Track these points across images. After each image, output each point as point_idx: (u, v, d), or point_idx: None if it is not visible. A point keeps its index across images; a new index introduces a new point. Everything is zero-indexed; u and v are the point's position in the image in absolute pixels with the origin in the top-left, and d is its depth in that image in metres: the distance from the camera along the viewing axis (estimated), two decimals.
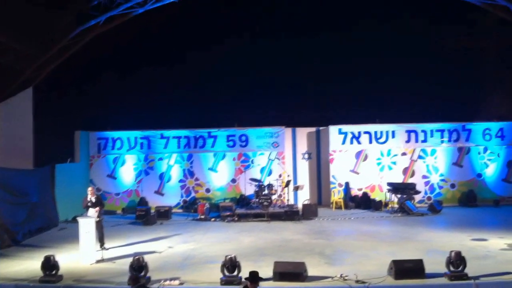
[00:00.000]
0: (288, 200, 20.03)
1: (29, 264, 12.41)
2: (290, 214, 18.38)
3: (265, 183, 19.97)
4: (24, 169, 17.80)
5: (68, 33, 19.11)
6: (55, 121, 21.18)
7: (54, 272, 10.99)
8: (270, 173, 21.57)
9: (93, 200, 13.64)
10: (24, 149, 19.28)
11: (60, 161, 19.74)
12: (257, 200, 19.21)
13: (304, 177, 22.03)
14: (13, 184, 15.80)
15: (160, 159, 21.85)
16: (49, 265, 11.03)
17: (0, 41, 17.45)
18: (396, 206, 19.73)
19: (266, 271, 10.96)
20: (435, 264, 10.97)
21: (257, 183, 19.69)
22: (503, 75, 22.40)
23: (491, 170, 21.41)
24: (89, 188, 14.13)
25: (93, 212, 13.42)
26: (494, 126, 21.55)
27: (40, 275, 10.98)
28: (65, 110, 21.45)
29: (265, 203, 18.67)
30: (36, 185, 17.19)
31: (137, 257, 10.90)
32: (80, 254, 12.72)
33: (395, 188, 20.06)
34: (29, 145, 19.61)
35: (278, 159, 21.69)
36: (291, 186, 20.39)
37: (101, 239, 13.46)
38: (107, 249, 13.54)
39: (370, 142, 21.60)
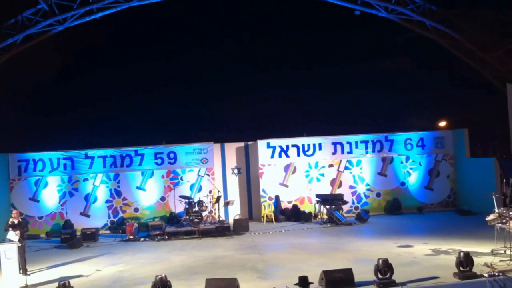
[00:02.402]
0: (219, 216, 19.90)
1: None
2: (221, 230, 18.26)
3: (195, 200, 19.74)
4: None
5: None
6: None
7: None
8: (200, 189, 21.38)
9: (15, 222, 13.11)
10: None
11: None
12: (187, 217, 18.95)
13: (234, 192, 21.98)
14: None
15: (85, 179, 21.12)
16: None
17: None
18: (325, 217, 20.07)
19: None
20: (364, 273, 11.24)
21: (187, 200, 19.43)
22: (420, 88, 23.56)
23: (413, 179, 22.25)
24: (14, 211, 13.85)
25: (13, 234, 12.82)
26: (415, 136, 22.44)
27: None
28: None
29: (196, 220, 18.45)
30: None
31: (63, 282, 10.53)
32: (3, 281, 12.05)
33: (323, 199, 20.41)
34: None
35: (207, 175, 21.54)
36: (222, 201, 20.28)
37: (23, 265, 12.84)
38: (29, 274, 12.93)
39: (298, 155, 21.92)
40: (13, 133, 21.30)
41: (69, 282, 10.51)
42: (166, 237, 18.13)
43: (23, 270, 12.78)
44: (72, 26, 18.90)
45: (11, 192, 20.71)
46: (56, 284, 10.59)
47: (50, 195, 20.91)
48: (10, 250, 12.18)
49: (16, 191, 20.77)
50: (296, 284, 8.67)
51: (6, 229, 13.05)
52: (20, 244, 12.71)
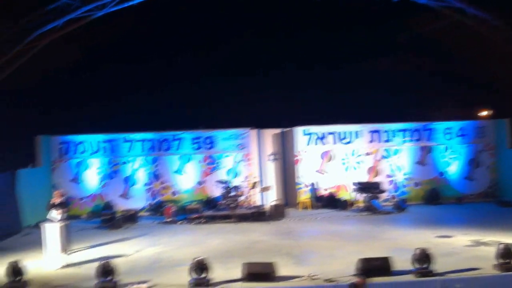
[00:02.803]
0: (255, 201, 20.03)
1: None
2: (257, 215, 18.39)
3: (232, 185, 19.93)
4: None
5: (24, 38, 18.70)
6: (16, 127, 20.71)
7: (19, 278, 10.74)
8: (236, 174, 21.54)
9: (58, 202, 13.50)
10: None
11: (22, 167, 19.25)
12: (224, 201, 19.16)
13: (270, 178, 22.05)
14: None
15: (124, 162, 21.55)
16: (14, 271, 10.78)
17: None
18: (362, 205, 19.96)
19: (235, 272, 11.01)
20: (401, 261, 11.16)
21: (224, 185, 19.63)
22: (461, 76, 23.05)
23: (453, 169, 21.89)
24: (56, 192, 14.18)
25: (55, 214, 13.18)
26: (455, 125, 22.04)
27: (3, 282, 10.71)
28: (26, 115, 21.02)
29: (232, 205, 18.65)
30: None
31: (103, 261, 10.76)
32: (46, 259, 12.47)
33: (360, 187, 20.29)
34: None
35: (244, 160, 21.68)
36: (258, 187, 20.41)
37: (66, 244, 13.22)
38: (72, 253, 13.31)
39: (335, 142, 21.80)
40: (55, 116, 21.84)
41: (110, 262, 10.75)
42: (203, 220, 18.37)
43: (66, 249, 13.15)
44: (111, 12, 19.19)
45: (53, 173, 21.29)
46: (97, 263, 10.84)
47: (91, 177, 21.42)
48: (53, 229, 12.59)
49: (57, 172, 21.33)
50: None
51: (48, 209, 13.41)
52: (63, 224, 13.08)
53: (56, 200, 13.65)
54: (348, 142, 21.83)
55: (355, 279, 9.45)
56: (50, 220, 13.08)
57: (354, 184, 20.65)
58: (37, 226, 17.58)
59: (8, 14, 17.76)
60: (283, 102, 22.90)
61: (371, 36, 23.09)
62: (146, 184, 21.53)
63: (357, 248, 13.24)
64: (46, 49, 19.64)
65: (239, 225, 17.67)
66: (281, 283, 10.45)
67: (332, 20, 22.13)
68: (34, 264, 12.43)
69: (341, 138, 21.83)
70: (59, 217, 13.18)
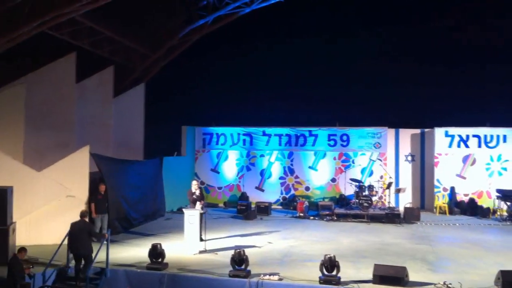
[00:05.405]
0: (389, 202, 19.63)
1: (136, 251, 13.16)
2: (391, 217, 18.00)
3: (366, 184, 19.71)
4: (138, 160, 18.90)
5: (177, 33, 20.06)
6: (164, 116, 22.30)
7: (160, 260, 11.60)
8: (371, 174, 21.26)
9: (197, 193, 14.24)
10: (136, 142, 20.51)
11: (168, 154, 20.66)
12: (357, 200, 19.02)
13: (406, 179, 21.45)
14: (130, 174, 16.80)
15: (262, 155, 22.25)
16: (156, 253, 11.66)
17: (115, 39, 18.68)
18: (505, 214, 18.68)
19: (365, 273, 10.94)
20: None
21: (357, 184, 19.48)
22: None
23: None
24: (194, 182, 14.77)
25: (199, 205, 13.96)
26: None
27: (147, 262, 11.63)
28: (173, 106, 22.51)
29: (365, 204, 18.45)
30: (149, 176, 18.15)
31: (238, 250, 11.23)
32: (185, 244, 13.27)
33: (505, 195, 18.94)
34: (140, 138, 20.80)
35: (379, 160, 21.31)
36: (393, 188, 19.95)
37: (204, 231, 13.94)
38: (209, 240, 14.01)
39: (479, 146, 20.57)
40: (200, 107, 23.13)
41: (244, 251, 11.20)
42: (335, 218, 18.40)
43: (203, 236, 13.83)
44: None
45: (195, 162, 22.60)
46: (232, 251, 11.35)
47: (230, 167, 22.42)
48: (193, 216, 13.36)
49: (200, 161, 22.62)
50: None
51: (192, 201, 14.18)
52: (201, 212, 13.83)
53: (196, 190, 14.38)
54: (494, 146, 20.50)
55: None
56: (191, 208, 13.86)
57: (498, 191, 19.34)
58: (178, 211, 18.86)
59: (161, 11, 19.13)
60: (424, 102, 22.03)
61: None
62: (280, 178, 22.03)
63: (497, 260, 12.49)
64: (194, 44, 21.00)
65: (371, 226, 17.45)
66: None
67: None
68: (174, 248, 13.27)
69: (486, 141, 20.57)
70: (200, 206, 13.94)
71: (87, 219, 11.75)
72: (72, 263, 11.34)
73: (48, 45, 16.57)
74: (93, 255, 11.12)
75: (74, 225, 11.21)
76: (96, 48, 18.48)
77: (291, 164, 22.01)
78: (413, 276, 10.70)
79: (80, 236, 11.00)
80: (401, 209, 19.31)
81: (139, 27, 19.10)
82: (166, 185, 19.14)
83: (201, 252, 13.13)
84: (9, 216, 12.03)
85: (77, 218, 11.34)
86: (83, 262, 11.07)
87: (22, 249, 10.41)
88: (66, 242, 11.35)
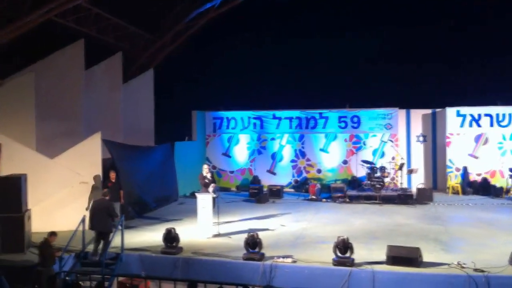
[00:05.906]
0: (401, 183, 19.58)
1: (151, 236, 13.27)
2: (403, 198, 17.96)
3: (377, 166, 19.65)
4: (149, 146, 18.97)
5: (183, 18, 19.95)
6: (174, 101, 22.27)
7: (174, 244, 11.68)
8: (382, 155, 21.18)
9: (209, 177, 14.30)
10: (146, 128, 20.55)
11: (178, 139, 20.70)
12: (369, 182, 18.98)
13: (418, 160, 21.36)
14: (141, 160, 16.88)
15: (272, 139, 22.23)
16: (170, 237, 11.74)
17: (120, 24, 18.63)
18: None
19: (378, 254, 10.95)
20: None
21: (369, 165, 19.43)
22: None
23: None
24: (205, 166, 14.89)
25: (212, 189, 14.02)
26: None
27: (161, 246, 11.72)
28: (183, 91, 22.47)
29: (377, 186, 18.41)
30: (160, 161, 18.27)
31: (251, 233, 11.28)
32: (198, 228, 13.35)
33: None
34: (151, 124, 20.86)
35: (391, 141, 21.22)
36: (405, 169, 19.88)
37: (217, 215, 13.98)
38: (222, 224, 14.07)
39: (491, 125, 20.40)
40: (209, 93, 23.06)
41: (257, 234, 11.24)
42: (347, 200, 18.40)
43: (216, 219, 13.88)
44: None
45: (206, 147, 22.64)
46: (246, 234, 11.40)
47: (241, 151, 22.45)
48: (205, 200, 13.42)
49: (211, 146, 22.67)
50: None
51: (204, 185, 14.22)
52: (214, 196, 13.89)
53: (207, 174, 14.45)
54: (507, 125, 20.31)
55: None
56: (203, 192, 13.93)
57: (511, 170, 19.22)
58: (191, 196, 18.95)
59: None
60: (435, 82, 21.79)
61: None
62: (292, 161, 22.03)
63: (511, 239, 12.42)
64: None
65: (383, 207, 17.43)
66: (426, 269, 10.19)
67: None
68: (188, 232, 13.33)
69: (498, 120, 20.39)
70: (213, 191, 13.99)
71: (108, 198, 11.86)
72: (89, 248, 11.47)
73: (55, 32, 16.56)
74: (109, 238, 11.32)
75: (95, 203, 11.67)
76: (103, 34, 18.45)
77: (302, 147, 21.98)
78: (426, 257, 10.69)
79: (100, 214, 11.33)
80: (414, 190, 19.23)
81: (145, 12, 19.02)
82: (178, 170, 19.22)
83: (214, 236, 13.21)
84: (24, 204, 12.15)
85: None
86: (101, 245, 11.26)
87: (53, 233, 10.50)
88: (80, 228, 11.50)
